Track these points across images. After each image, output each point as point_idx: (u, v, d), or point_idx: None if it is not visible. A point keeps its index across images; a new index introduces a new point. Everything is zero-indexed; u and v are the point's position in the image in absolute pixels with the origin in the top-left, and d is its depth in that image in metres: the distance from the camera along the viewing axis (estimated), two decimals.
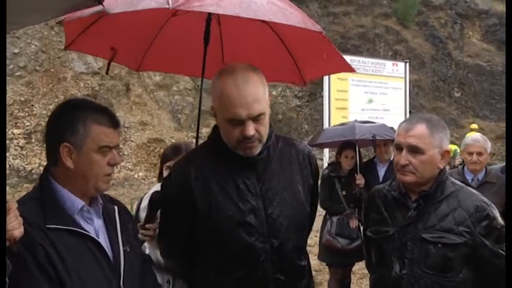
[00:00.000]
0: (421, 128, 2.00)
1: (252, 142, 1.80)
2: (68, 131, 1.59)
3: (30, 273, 1.42)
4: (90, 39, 2.39)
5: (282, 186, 1.91)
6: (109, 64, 2.51)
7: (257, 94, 1.77)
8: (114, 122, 1.68)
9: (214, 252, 1.87)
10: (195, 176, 1.87)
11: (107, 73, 2.94)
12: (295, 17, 2.05)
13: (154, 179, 13.27)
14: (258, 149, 1.84)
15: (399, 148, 2.05)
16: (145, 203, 2.46)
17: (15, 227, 1.34)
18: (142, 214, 2.49)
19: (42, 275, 1.45)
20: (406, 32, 18.50)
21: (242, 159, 1.86)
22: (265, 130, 1.83)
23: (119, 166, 13.72)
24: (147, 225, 2.25)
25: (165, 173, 2.72)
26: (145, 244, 2.78)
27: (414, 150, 2.00)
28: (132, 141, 13.96)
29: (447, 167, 3.53)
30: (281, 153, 1.97)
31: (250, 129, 1.75)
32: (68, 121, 1.61)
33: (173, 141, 14.23)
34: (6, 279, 1.34)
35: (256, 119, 1.76)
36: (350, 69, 2.57)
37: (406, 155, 2.01)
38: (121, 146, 13.50)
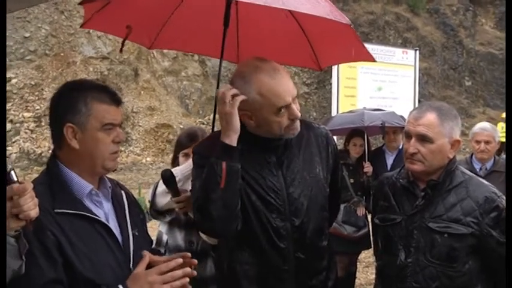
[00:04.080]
0: (430, 117, 1.99)
1: (297, 121, 1.91)
2: (70, 111, 1.58)
3: (35, 258, 1.42)
4: (105, 17, 2.42)
5: (302, 167, 1.97)
6: (123, 42, 2.52)
7: (287, 75, 1.89)
8: (115, 100, 1.66)
9: (239, 224, 1.90)
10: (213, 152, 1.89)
11: (120, 51, 2.93)
12: (322, 8, 2.05)
13: (162, 164, 13.36)
14: (299, 125, 1.95)
15: (408, 136, 2.05)
16: (161, 188, 2.47)
17: (31, 207, 1.34)
18: (159, 199, 2.50)
19: (48, 261, 1.45)
20: (417, 20, 18.29)
21: (265, 143, 1.93)
22: (298, 105, 1.93)
23: (126, 151, 13.79)
24: (178, 198, 2.27)
25: (182, 160, 2.70)
26: (162, 230, 2.81)
27: (423, 138, 1.99)
28: (140, 126, 14.02)
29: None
30: (301, 135, 2.02)
31: (297, 110, 1.88)
32: (69, 102, 1.60)
33: (181, 126, 14.27)
34: (23, 257, 1.36)
35: (294, 100, 1.89)
36: (371, 58, 2.55)
37: (415, 144, 2.00)
38: (129, 130, 13.55)
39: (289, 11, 2.43)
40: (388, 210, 2.13)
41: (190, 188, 2.42)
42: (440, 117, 1.99)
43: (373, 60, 2.59)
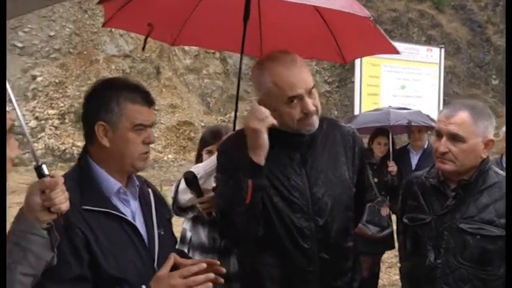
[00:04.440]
0: (463, 115, 1.93)
1: (312, 117, 1.86)
2: (102, 109, 1.59)
3: (64, 254, 1.43)
4: (127, 15, 2.42)
5: (326, 166, 1.94)
6: (145, 40, 2.53)
7: (305, 69, 1.87)
8: (148, 100, 1.66)
9: (260, 230, 1.89)
10: (239, 157, 1.88)
11: (143, 49, 2.93)
12: (339, 1, 2.02)
13: (184, 162, 13.45)
14: (316, 123, 1.90)
15: (439, 135, 1.99)
16: (183, 185, 2.47)
17: (62, 201, 1.35)
18: (182, 196, 2.50)
19: (75, 258, 1.46)
20: (442, 17, 18.00)
21: (287, 139, 1.90)
22: (319, 103, 1.90)
23: None
24: (202, 199, 2.27)
25: (205, 157, 2.69)
26: (186, 227, 2.82)
27: (455, 138, 1.94)
28: (161, 123, 14.13)
29: None
30: (326, 134, 2.00)
31: (311, 104, 1.84)
32: (102, 100, 1.61)
33: (202, 124, 14.33)
34: (55, 249, 1.38)
35: (310, 93, 1.85)
36: (394, 51, 2.51)
37: (446, 143, 1.95)
38: None
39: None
40: (417, 210, 2.08)
41: (212, 185, 2.42)
42: (473, 116, 1.93)
43: (397, 52, 2.55)
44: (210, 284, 1.54)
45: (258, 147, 1.80)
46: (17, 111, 1.55)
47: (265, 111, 1.80)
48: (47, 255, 1.36)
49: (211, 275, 1.54)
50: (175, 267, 1.56)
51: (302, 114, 1.84)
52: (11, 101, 1.56)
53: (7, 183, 1.15)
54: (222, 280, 1.65)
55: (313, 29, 2.54)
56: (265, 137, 1.80)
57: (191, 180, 2.25)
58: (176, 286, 1.48)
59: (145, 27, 2.42)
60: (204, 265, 1.55)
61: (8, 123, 1.12)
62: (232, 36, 2.60)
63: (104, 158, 1.63)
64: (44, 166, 1.39)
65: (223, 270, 1.67)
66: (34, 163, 1.38)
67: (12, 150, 1.13)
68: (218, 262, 1.68)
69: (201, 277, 1.51)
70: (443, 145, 1.96)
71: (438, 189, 2.05)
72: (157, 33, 2.53)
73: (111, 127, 1.59)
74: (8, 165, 1.13)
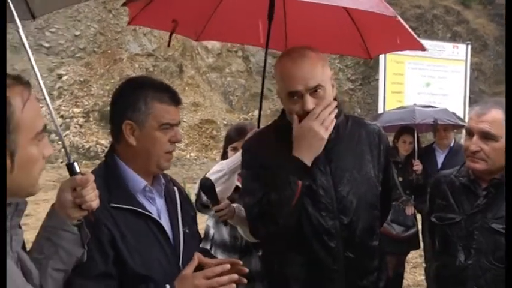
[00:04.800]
0: (495, 113, 1.88)
1: None
2: (130, 108, 1.60)
3: (90, 251, 1.45)
4: (151, 13, 2.44)
5: (351, 164, 1.91)
6: (170, 36, 2.55)
7: (312, 67, 1.82)
8: (175, 100, 1.67)
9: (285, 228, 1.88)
10: (263, 154, 1.90)
11: (168, 45, 2.96)
12: (367, 1, 1.98)
13: (206, 160, 13.52)
14: None
15: (470, 133, 1.95)
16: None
17: (93, 198, 1.38)
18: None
19: (101, 255, 1.47)
20: (468, 12, 17.66)
21: None
22: (327, 104, 1.84)
23: None
24: (218, 207, 2.26)
25: (230, 154, 2.70)
26: (209, 224, 2.83)
27: (486, 136, 1.89)
28: (184, 121, 14.24)
29: None
30: (351, 132, 1.97)
31: (309, 103, 1.79)
32: (130, 99, 1.62)
33: (225, 122, 14.38)
34: (85, 246, 1.40)
35: (314, 92, 1.80)
36: (421, 47, 2.47)
37: (478, 141, 1.90)
38: None
39: None
40: (446, 209, 2.04)
41: (236, 183, 2.40)
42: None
43: (423, 49, 2.51)
44: (234, 285, 1.54)
45: (314, 153, 1.81)
46: (51, 110, 1.59)
47: (329, 119, 1.80)
48: (78, 252, 1.39)
49: (235, 276, 1.55)
50: (199, 266, 1.57)
51: (302, 111, 1.82)
52: (44, 100, 1.60)
53: (41, 181, 1.17)
54: (245, 280, 1.65)
55: (338, 24, 2.52)
56: (323, 144, 1.82)
57: (208, 187, 2.23)
58: (200, 286, 1.49)
59: (170, 23, 2.44)
60: (228, 266, 1.55)
61: (42, 122, 1.14)
62: (257, 31, 2.59)
63: (130, 157, 1.64)
64: (75, 164, 1.42)
65: (246, 270, 1.67)
66: (60, 160, 1.40)
67: (47, 148, 1.15)
68: (241, 262, 1.68)
69: (225, 278, 1.51)
70: (475, 144, 1.91)
71: (468, 188, 2.00)
72: (182, 29, 2.55)
73: (138, 126, 1.60)
74: (42, 163, 1.14)
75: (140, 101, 1.60)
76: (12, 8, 1.59)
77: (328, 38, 2.54)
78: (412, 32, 2.37)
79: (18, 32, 1.62)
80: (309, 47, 1.90)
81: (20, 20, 1.64)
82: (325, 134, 1.80)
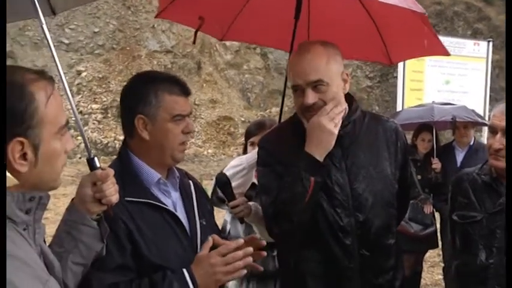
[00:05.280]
0: None
1: (313, 111, 1.82)
2: (141, 103, 1.61)
3: (107, 245, 1.46)
4: (179, 8, 2.46)
5: (368, 161, 1.90)
6: (196, 33, 2.56)
7: (314, 61, 1.81)
8: (184, 91, 1.67)
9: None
10: (279, 150, 1.90)
11: (193, 42, 2.97)
12: None
13: (223, 156, 13.55)
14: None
15: (493, 131, 1.93)
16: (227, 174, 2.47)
17: (113, 193, 1.39)
18: None
19: (118, 249, 1.49)
20: (490, 9, 17.35)
21: None
22: (331, 100, 1.82)
23: (188, 142, 14.04)
24: (233, 203, 2.25)
25: (249, 149, 2.72)
26: (227, 219, 2.84)
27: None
28: (202, 118, 14.29)
29: None
30: (368, 128, 1.95)
31: (309, 98, 1.80)
32: (140, 93, 1.62)
33: (242, 119, 14.40)
34: (104, 240, 1.42)
35: (316, 87, 1.80)
36: (445, 52, 2.43)
37: (501, 139, 1.88)
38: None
39: (362, 3, 2.38)
40: (468, 207, 2.02)
41: (253, 180, 2.40)
42: None
43: (447, 54, 2.46)
44: (250, 259, 1.53)
45: (325, 148, 1.80)
46: (73, 106, 1.61)
47: (338, 112, 1.80)
48: (97, 246, 1.40)
49: (250, 249, 1.54)
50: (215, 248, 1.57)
51: (303, 105, 1.82)
52: (66, 95, 1.62)
53: (62, 175, 1.18)
54: (264, 253, 1.66)
55: (361, 28, 2.52)
56: (334, 138, 1.81)
57: (224, 183, 2.21)
58: (215, 264, 1.49)
59: (196, 20, 2.44)
60: (242, 241, 1.55)
61: (65, 116, 1.15)
62: (281, 33, 2.59)
63: (144, 151, 1.64)
64: (96, 159, 1.44)
65: (264, 243, 1.68)
66: (79, 156, 1.41)
67: (69, 143, 1.16)
68: (258, 236, 1.67)
69: (239, 253, 1.51)
70: (498, 141, 1.90)
71: (490, 187, 1.98)
72: (207, 26, 2.55)
73: (150, 120, 1.61)
74: (64, 158, 1.16)
75: (150, 95, 1.61)
76: (37, 5, 1.62)
77: (349, 42, 2.52)
78: (437, 36, 2.33)
79: (42, 28, 1.64)
80: (322, 41, 1.89)
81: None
82: (335, 130, 1.79)
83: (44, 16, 1.67)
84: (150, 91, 1.61)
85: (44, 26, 1.63)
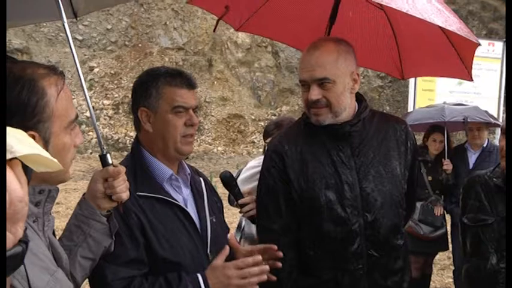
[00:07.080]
0: None
1: (318, 108, 1.81)
2: (143, 96, 1.62)
3: (121, 238, 1.48)
4: None
5: (377, 160, 1.88)
6: (217, 22, 2.55)
7: (322, 58, 1.80)
8: (188, 83, 1.66)
9: (309, 224, 1.87)
10: (289, 151, 1.89)
11: (214, 31, 2.95)
12: (453, 22, 1.91)
13: (233, 154, 13.58)
14: (327, 117, 1.83)
15: (505, 133, 1.89)
16: (243, 175, 2.46)
17: (123, 190, 1.40)
18: (241, 187, 2.50)
19: (132, 242, 1.50)
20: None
21: (336, 131, 1.86)
22: (335, 98, 1.81)
23: (198, 140, 14.17)
24: (242, 201, 2.22)
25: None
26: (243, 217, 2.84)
27: None
28: (212, 116, 14.32)
29: None
30: (377, 128, 1.94)
31: (313, 93, 1.79)
32: (143, 87, 1.64)
33: (252, 117, 14.41)
34: (113, 236, 1.43)
35: (322, 84, 1.79)
36: (468, 78, 2.38)
37: None
38: (201, 120, 13.88)
39: (386, 15, 2.37)
40: (479, 211, 2.00)
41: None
42: None
43: (470, 79, 2.39)
44: (265, 276, 1.55)
45: None
46: (88, 102, 1.63)
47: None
48: (106, 241, 1.41)
49: (266, 268, 1.55)
50: (230, 253, 1.58)
51: (308, 101, 1.82)
52: (83, 92, 1.63)
53: (71, 170, 1.19)
54: (279, 264, 1.67)
55: (379, 39, 2.48)
56: None
57: (228, 180, 2.17)
58: (231, 277, 1.50)
59: (222, 8, 2.43)
60: (259, 258, 1.56)
61: (75, 111, 1.16)
62: (304, 33, 2.54)
63: (149, 144, 1.65)
64: (108, 155, 1.45)
65: (281, 254, 1.68)
66: (90, 151, 1.42)
67: (78, 137, 1.17)
68: (275, 247, 1.68)
69: (255, 269, 1.52)
70: None
71: (503, 190, 1.95)
72: (228, 15, 2.51)
73: (152, 112, 1.61)
74: (73, 152, 1.17)
75: (151, 87, 1.62)
76: (62, 9, 1.65)
77: (365, 50, 2.46)
78: (463, 61, 2.28)
79: (64, 27, 1.67)
80: (337, 38, 1.88)
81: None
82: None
83: (68, 19, 1.70)
84: (152, 84, 1.63)
85: (66, 25, 1.66)
